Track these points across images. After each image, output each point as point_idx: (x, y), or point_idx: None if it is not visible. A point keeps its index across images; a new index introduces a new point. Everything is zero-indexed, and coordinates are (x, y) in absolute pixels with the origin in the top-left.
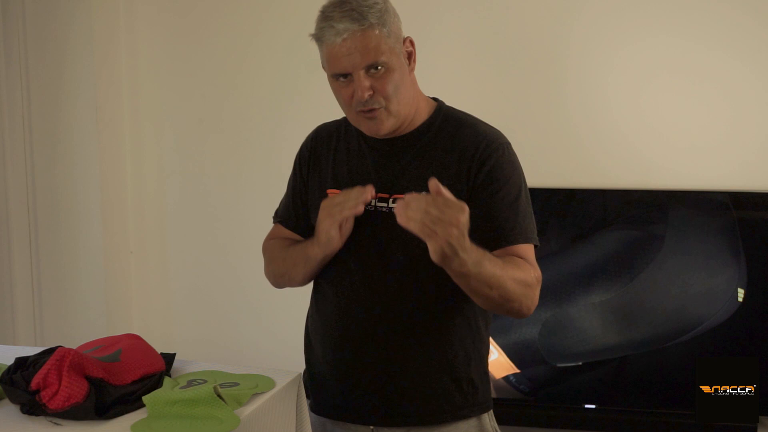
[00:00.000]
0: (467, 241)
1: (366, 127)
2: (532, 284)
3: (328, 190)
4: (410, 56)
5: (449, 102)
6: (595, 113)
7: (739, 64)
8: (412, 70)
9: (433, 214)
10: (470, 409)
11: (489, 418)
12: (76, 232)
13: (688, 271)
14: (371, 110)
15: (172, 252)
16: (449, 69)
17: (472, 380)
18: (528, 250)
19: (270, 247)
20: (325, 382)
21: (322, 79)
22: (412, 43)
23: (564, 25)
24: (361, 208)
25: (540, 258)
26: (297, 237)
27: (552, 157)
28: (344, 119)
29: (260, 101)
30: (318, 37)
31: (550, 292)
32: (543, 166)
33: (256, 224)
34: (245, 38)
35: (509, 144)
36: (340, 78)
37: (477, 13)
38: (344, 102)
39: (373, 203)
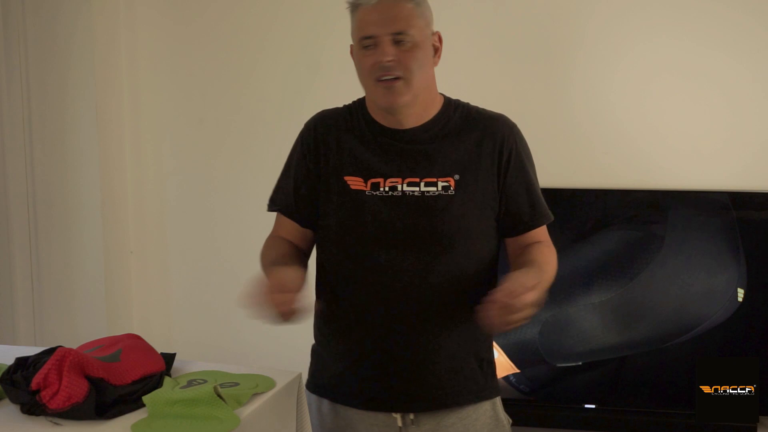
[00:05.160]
0: (539, 291)
1: (383, 98)
2: (555, 268)
3: (346, 177)
4: (436, 50)
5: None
6: (595, 114)
7: (740, 65)
8: (435, 64)
9: (512, 318)
10: (489, 391)
11: (499, 404)
12: (76, 232)
13: (688, 271)
14: (390, 80)
15: (172, 252)
16: (451, 66)
17: (490, 361)
18: (545, 229)
19: (268, 249)
20: (352, 373)
21: (322, 79)
22: (440, 39)
23: (566, 26)
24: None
25: None
26: (296, 229)
27: (552, 157)
28: (346, 108)
29: (260, 101)
30: (354, 4)
31: (550, 292)
32: (543, 166)
33: (256, 224)
34: (245, 38)
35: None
36: (367, 47)
37: (481, 11)
38: (365, 71)
39: (399, 188)
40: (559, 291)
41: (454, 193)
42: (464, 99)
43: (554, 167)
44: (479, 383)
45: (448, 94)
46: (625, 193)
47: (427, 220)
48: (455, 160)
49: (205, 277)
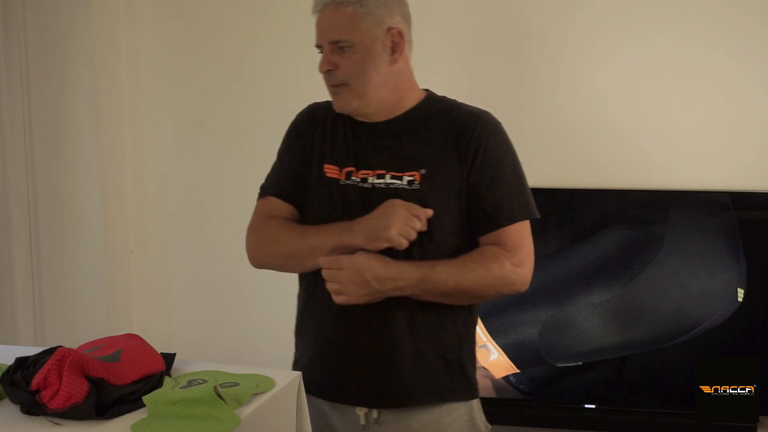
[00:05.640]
0: (391, 270)
1: (334, 103)
2: (505, 274)
3: (326, 165)
4: (395, 47)
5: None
6: (595, 113)
7: (740, 65)
8: (395, 61)
9: (335, 283)
10: (458, 393)
11: (477, 409)
12: (76, 232)
13: (688, 271)
14: (338, 86)
15: (172, 252)
16: (446, 67)
17: (461, 364)
18: (512, 231)
19: (271, 227)
20: (319, 363)
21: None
22: (400, 34)
23: (563, 23)
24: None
25: (540, 258)
26: (290, 211)
27: (552, 157)
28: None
29: (260, 101)
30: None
31: (550, 292)
32: (543, 166)
33: None
34: (245, 38)
35: (500, 123)
36: (319, 53)
37: (475, 9)
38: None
39: (370, 180)
40: (559, 291)
41: (419, 187)
42: (459, 99)
43: (554, 167)
44: (444, 384)
45: (444, 95)
46: (625, 193)
47: None
48: (422, 155)
49: (205, 277)
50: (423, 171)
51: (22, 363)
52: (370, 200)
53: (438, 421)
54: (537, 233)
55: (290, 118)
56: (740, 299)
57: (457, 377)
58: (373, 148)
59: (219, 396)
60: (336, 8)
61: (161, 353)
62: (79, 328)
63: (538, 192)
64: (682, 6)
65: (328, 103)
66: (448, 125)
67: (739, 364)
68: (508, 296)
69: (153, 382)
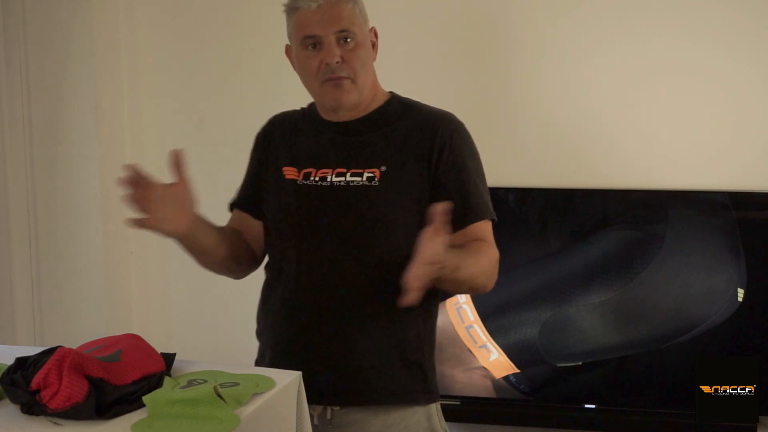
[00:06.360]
0: (454, 259)
1: (330, 97)
2: (494, 267)
3: (284, 168)
4: (373, 46)
5: (442, 100)
6: (595, 113)
7: (740, 65)
8: (374, 59)
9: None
10: (418, 395)
11: (437, 415)
12: (76, 232)
13: (688, 271)
14: (338, 78)
15: (172, 252)
16: (443, 68)
17: (421, 365)
18: (486, 227)
19: None
20: (278, 361)
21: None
22: (375, 34)
23: (561, 22)
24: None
25: (540, 258)
26: (244, 218)
27: (551, 158)
28: (301, 109)
29: (261, 101)
30: (292, 6)
31: (550, 292)
32: (542, 167)
33: None
34: (246, 38)
35: (464, 124)
36: (309, 47)
37: (474, 7)
38: (311, 73)
39: (329, 179)
40: (559, 291)
41: (378, 184)
42: (455, 99)
43: (553, 167)
44: (403, 384)
45: (435, 97)
46: (625, 193)
47: (348, 210)
48: (383, 152)
49: (205, 278)
50: (383, 168)
51: (22, 363)
52: (328, 199)
53: (393, 426)
54: (537, 233)
55: None
56: (740, 299)
57: (417, 379)
58: (335, 146)
59: (219, 396)
60: (337, 3)
61: (161, 353)
62: (79, 328)
63: (539, 192)
64: (682, 6)
65: (294, 112)
66: (412, 124)
67: (739, 364)
68: (508, 296)
69: (153, 382)
